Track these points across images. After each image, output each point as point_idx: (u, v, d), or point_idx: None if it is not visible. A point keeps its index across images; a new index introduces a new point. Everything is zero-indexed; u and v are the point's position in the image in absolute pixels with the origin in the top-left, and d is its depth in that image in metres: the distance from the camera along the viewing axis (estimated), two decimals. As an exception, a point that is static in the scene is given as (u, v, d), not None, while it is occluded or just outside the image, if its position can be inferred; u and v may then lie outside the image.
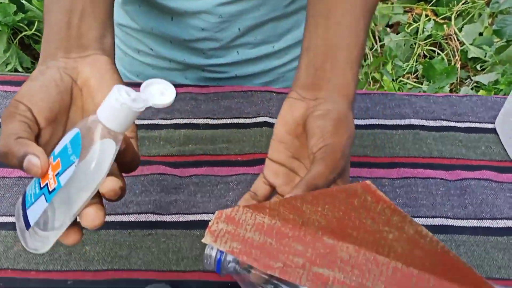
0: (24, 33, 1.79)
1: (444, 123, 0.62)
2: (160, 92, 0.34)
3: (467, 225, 0.50)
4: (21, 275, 0.44)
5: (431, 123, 0.61)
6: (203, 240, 0.36)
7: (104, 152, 0.33)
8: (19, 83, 0.65)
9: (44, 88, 0.37)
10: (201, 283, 0.44)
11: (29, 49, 1.85)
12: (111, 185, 0.34)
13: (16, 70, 1.78)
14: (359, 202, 0.35)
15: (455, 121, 0.62)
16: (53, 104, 0.37)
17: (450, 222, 0.50)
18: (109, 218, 0.49)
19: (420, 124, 0.61)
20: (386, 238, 0.35)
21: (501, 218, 0.51)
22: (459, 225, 0.50)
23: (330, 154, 0.39)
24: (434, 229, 0.50)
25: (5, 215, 0.49)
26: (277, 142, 0.44)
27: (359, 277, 0.34)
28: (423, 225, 0.50)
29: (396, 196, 0.53)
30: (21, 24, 1.78)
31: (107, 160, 0.33)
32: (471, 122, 0.62)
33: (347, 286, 0.33)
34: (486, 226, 0.50)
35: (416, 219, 0.51)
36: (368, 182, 0.34)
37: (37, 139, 0.36)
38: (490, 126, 0.62)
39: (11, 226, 0.48)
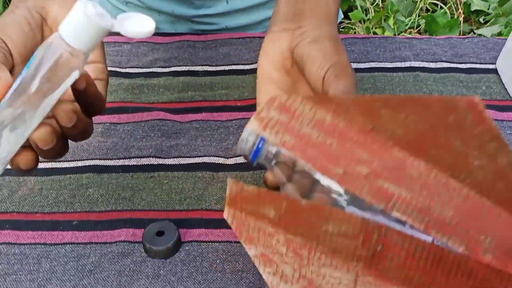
0: None
1: (445, 65, 0.61)
2: (139, 24, 0.32)
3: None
4: (26, 217, 0.45)
5: (432, 65, 0.61)
6: (247, 126, 0.32)
7: (58, 69, 0.31)
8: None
9: (16, 24, 0.37)
10: (203, 221, 0.45)
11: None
12: (64, 106, 0.32)
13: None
14: (456, 119, 0.30)
15: (456, 63, 0.61)
16: (26, 40, 0.36)
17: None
18: (111, 163, 0.50)
19: (421, 66, 0.61)
20: (470, 163, 0.30)
21: (501, 154, 0.51)
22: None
23: (343, 70, 0.36)
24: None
25: (8, 162, 0.50)
26: (265, 84, 0.41)
27: (427, 199, 0.30)
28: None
29: (396, 136, 0.53)
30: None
31: (60, 79, 0.31)
32: (472, 63, 0.61)
33: (412, 206, 0.30)
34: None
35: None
36: (476, 98, 0.30)
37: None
38: (491, 66, 0.61)
39: (15, 173, 0.48)
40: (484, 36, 1.62)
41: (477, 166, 0.30)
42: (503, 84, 0.59)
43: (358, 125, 0.31)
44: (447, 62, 0.61)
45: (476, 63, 0.61)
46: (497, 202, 0.30)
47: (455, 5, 1.75)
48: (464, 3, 1.73)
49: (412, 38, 0.65)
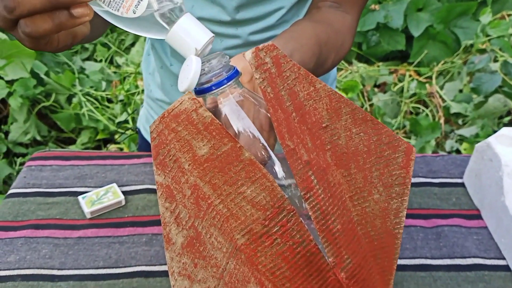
0: (42, 105, 1.94)
1: (422, 180, 0.75)
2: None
3: (443, 264, 0.62)
4: (89, 316, 0.56)
5: (412, 180, 0.75)
6: (245, 55, 0.32)
7: None
8: (68, 158, 0.79)
9: None
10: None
11: (46, 118, 1.99)
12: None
13: (34, 139, 1.93)
14: (389, 155, 0.33)
15: (431, 178, 0.75)
16: None
17: (428, 261, 0.62)
18: (155, 268, 0.61)
19: (402, 181, 0.74)
20: (371, 194, 0.34)
21: (469, 257, 0.63)
22: (436, 264, 0.62)
23: None
24: (416, 268, 0.62)
25: (71, 269, 0.61)
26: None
27: (330, 206, 0.32)
28: (407, 265, 0.62)
29: (384, 241, 0.65)
30: (39, 96, 1.93)
31: None
32: (443, 178, 0.75)
33: (319, 206, 0.32)
34: (458, 263, 0.62)
35: (401, 260, 0.63)
36: (414, 149, 0.33)
37: None
38: (459, 180, 0.75)
39: (77, 278, 0.60)
40: (464, 136, 1.79)
41: (373, 199, 0.35)
42: (470, 196, 0.72)
43: (318, 116, 0.33)
44: (423, 177, 0.75)
45: (447, 177, 0.75)
46: (365, 234, 0.35)
47: (435, 108, 1.95)
48: (444, 106, 1.93)
49: (394, 156, 0.79)
